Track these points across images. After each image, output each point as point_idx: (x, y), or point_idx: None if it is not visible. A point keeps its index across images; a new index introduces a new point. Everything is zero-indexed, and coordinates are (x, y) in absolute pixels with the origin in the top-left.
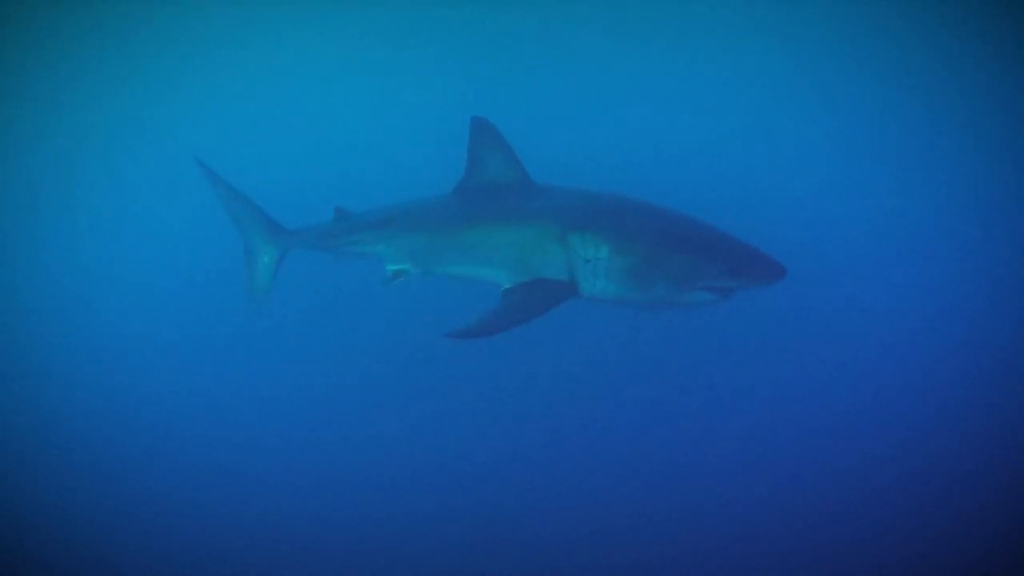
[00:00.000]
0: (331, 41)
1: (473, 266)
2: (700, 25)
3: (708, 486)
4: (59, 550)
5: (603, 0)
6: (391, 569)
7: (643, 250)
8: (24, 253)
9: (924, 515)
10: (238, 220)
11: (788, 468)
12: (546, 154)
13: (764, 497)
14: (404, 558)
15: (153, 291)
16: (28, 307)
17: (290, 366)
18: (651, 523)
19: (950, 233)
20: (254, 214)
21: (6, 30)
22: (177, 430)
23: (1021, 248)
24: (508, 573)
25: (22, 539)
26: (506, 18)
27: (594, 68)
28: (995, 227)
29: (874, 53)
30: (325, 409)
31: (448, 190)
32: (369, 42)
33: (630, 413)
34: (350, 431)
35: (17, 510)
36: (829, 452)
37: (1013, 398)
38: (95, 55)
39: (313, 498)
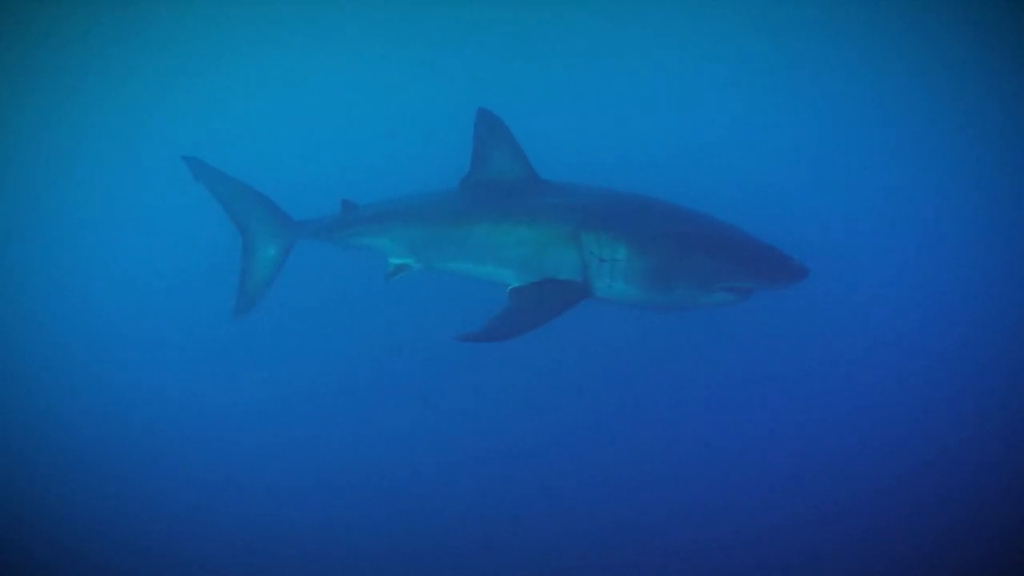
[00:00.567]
0: (337, 33)
1: (478, 263)
2: (703, 24)
3: (713, 485)
4: (54, 549)
5: None
6: (391, 569)
7: (664, 251)
8: (24, 252)
9: (926, 515)
10: (236, 212)
11: (791, 467)
12: (547, 152)
13: (773, 495)
14: (404, 558)
15: (151, 289)
16: (27, 307)
17: (289, 366)
18: (656, 522)
19: (950, 232)
20: (257, 204)
21: (6, 28)
22: (175, 429)
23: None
24: (508, 572)
25: (18, 540)
26: (513, 12)
27: (597, 66)
28: (1000, 224)
29: (877, 54)
30: (325, 408)
31: (452, 184)
32: (375, 34)
33: (631, 411)
34: (349, 431)
35: (15, 510)
36: (831, 451)
37: (1016, 396)
38: (98, 52)
39: (313, 498)
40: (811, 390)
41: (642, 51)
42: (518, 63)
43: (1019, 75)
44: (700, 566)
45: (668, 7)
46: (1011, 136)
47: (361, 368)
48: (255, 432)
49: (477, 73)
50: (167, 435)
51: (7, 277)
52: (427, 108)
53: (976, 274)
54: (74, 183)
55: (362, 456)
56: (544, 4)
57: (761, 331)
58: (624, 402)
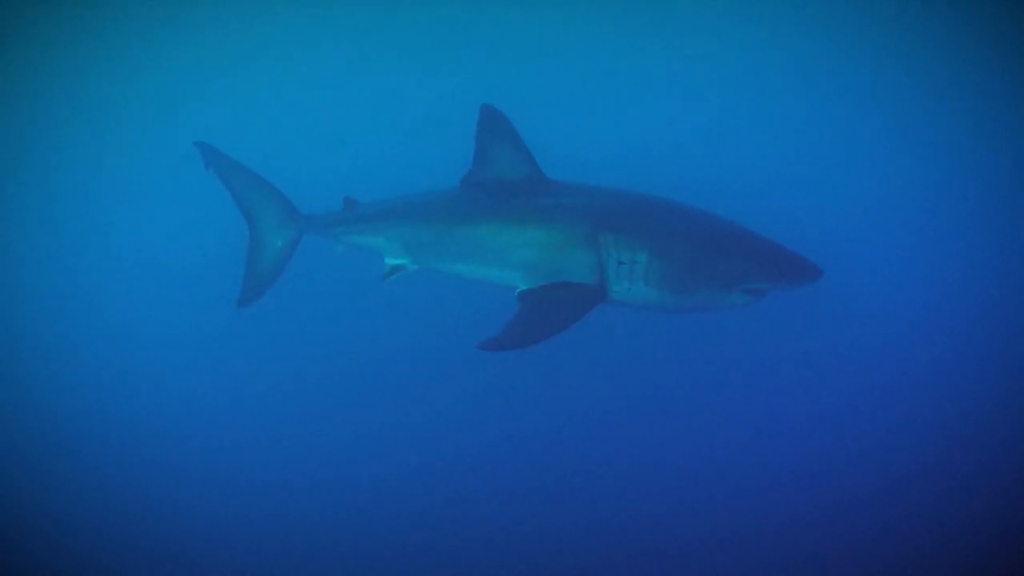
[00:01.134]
0: (342, 31)
1: (482, 265)
2: (703, 24)
3: (713, 485)
4: (53, 549)
5: None
6: (391, 569)
7: (685, 253)
8: (24, 252)
9: (926, 516)
10: (245, 201)
11: (792, 466)
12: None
13: (773, 495)
14: (404, 558)
15: (151, 288)
16: (27, 306)
17: (290, 364)
18: (656, 523)
19: (950, 233)
20: (266, 194)
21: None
22: (175, 429)
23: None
24: (509, 573)
25: (18, 539)
26: (516, 12)
27: (599, 66)
28: (1000, 224)
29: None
30: (325, 408)
31: (451, 184)
32: (379, 33)
33: (630, 412)
34: (349, 430)
35: (14, 511)
36: (831, 451)
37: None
38: (102, 49)
39: (312, 497)
40: (811, 390)
41: (642, 51)
42: (517, 63)
43: (1019, 75)
44: (701, 566)
45: (669, 8)
46: (1012, 136)
47: (361, 367)
48: (255, 432)
49: (475, 73)
50: (167, 435)
51: (8, 277)
52: (427, 108)
53: (976, 275)
54: (75, 183)
55: (361, 456)
56: (545, 4)
57: (761, 332)
58: (622, 402)
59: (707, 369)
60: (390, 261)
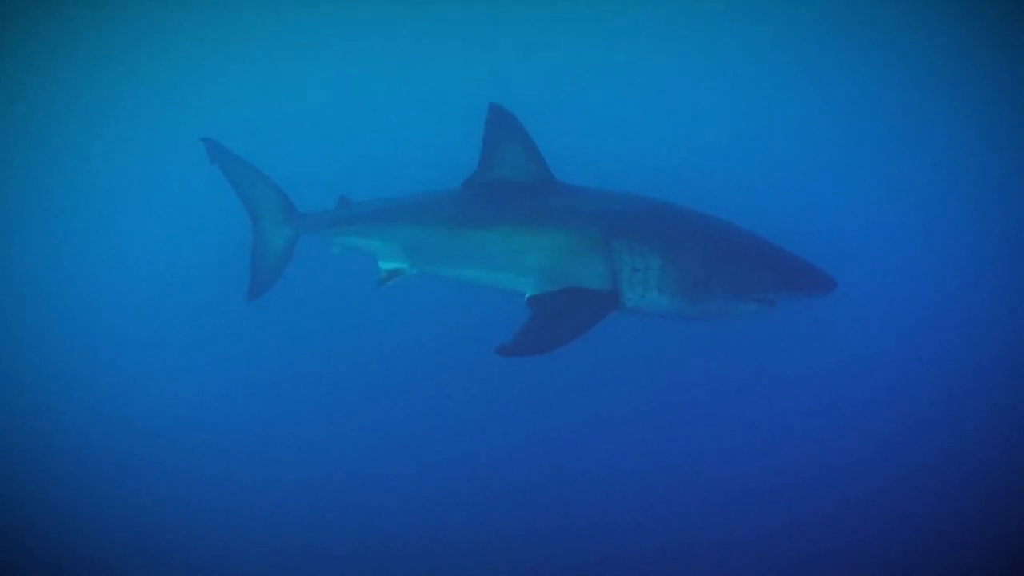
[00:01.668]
0: (346, 28)
1: (489, 270)
2: (704, 24)
3: (713, 484)
4: (54, 549)
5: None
6: (391, 570)
7: (699, 261)
8: (25, 252)
9: (926, 515)
10: (248, 197)
11: (792, 467)
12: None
13: (774, 495)
14: (405, 559)
15: (152, 289)
16: (27, 306)
17: (291, 366)
18: (656, 523)
19: (950, 233)
20: (267, 192)
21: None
22: (175, 429)
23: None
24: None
25: (18, 539)
26: (520, 11)
27: (596, 66)
28: (1000, 225)
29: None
30: (325, 408)
31: (452, 184)
32: (385, 30)
33: (629, 413)
34: (349, 432)
35: (14, 511)
36: (831, 451)
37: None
38: (102, 49)
39: (312, 499)
40: (811, 392)
41: (642, 51)
42: (520, 63)
43: (1019, 75)
44: (701, 565)
45: (669, 8)
46: (1012, 136)
47: (362, 369)
48: (256, 432)
49: (475, 73)
50: (167, 435)
51: (8, 277)
52: (427, 108)
53: (976, 275)
54: (73, 183)
55: (361, 459)
56: (546, 4)
57: (762, 336)
58: (621, 404)
59: (707, 371)
60: (386, 265)
